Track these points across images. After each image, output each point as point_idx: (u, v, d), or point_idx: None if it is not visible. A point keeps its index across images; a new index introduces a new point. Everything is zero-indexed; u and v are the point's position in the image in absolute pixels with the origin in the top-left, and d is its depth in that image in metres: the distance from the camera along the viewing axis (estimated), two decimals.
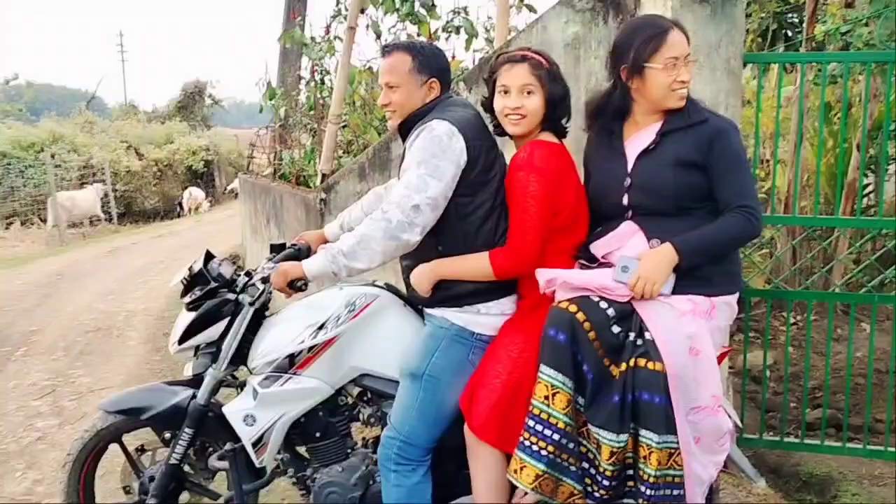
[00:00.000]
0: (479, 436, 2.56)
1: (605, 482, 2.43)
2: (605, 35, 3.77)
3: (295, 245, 3.05)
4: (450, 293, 2.65)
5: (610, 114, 2.74)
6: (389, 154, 4.46)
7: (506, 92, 2.62)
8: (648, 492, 2.38)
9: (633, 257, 2.47)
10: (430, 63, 2.72)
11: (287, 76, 8.84)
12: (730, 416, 2.60)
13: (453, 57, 6.76)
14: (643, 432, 2.40)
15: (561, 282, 2.53)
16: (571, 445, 2.47)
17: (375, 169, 4.70)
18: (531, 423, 2.46)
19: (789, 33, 8.66)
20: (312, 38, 7.13)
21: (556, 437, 2.44)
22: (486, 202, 2.62)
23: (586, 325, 2.43)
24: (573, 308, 2.45)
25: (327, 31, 6.86)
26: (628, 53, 2.58)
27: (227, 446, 2.84)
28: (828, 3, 6.45)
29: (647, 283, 2.42)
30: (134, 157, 23.33)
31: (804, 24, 6.18)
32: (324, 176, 5.09)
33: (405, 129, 2.73)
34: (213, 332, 2.83)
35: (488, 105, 2.74)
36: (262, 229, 8.17)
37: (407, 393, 2.68)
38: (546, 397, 2.44)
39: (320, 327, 2.74)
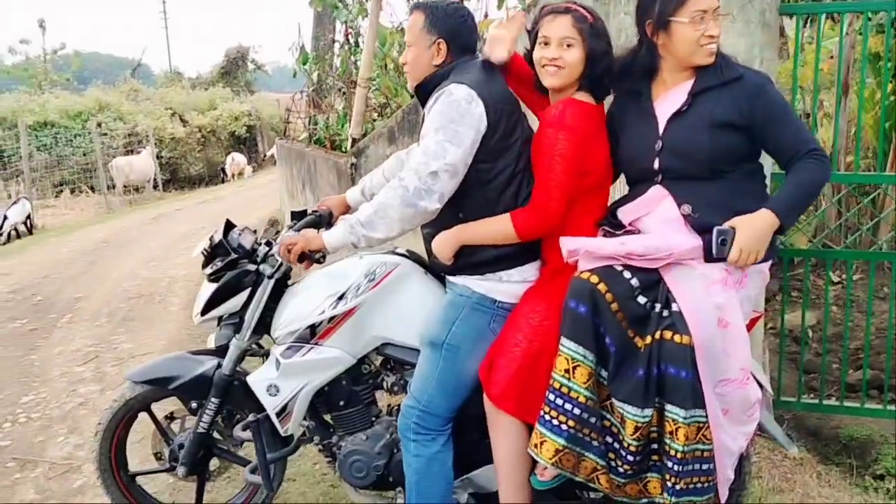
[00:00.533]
0: (497, 405, 2.52)
1: (630, 457, 2.37)
2: None
3: (316, 212, 3.01)
4: (471, 260, 2.60)
5: (637, 73, 2.61)
6: (418, 117, 4.39)
7: (546, 43, 2.54)
8: (676, 467, 2.32)
9: (728, 227, 2.33)
10: (440, 23, 2.62)
11: (321, 40, 8.79)
12: (760, 384, 2.52)
13: (486, 15, 6.63)
14: (669, 407, 2.32)
15: (584, 251, 2.45)
16: (593, 420, 2.39)
17: (405, 132, 4.66)
18: (551, 396, 2.39)
19: None
20: (342, 1, 7.05)
21: (576, 411, 2.37)
22: (507, 167, 2.55)
23: (608, 296, 2.34)
24: (594, 279, 2.36)
25: None
26: (653, 7, 2.46)
27: (251, 416, 2.84)
28: None
29: (751, 254, 2.32)
30: (178, 124, 23.63)
31: None
32: (354, 140, 5.06)
33: (423, 92, 2.67)
34: (234, 302, 2.84)
35: (530, 57, 2.64)
36: (298, 194, 8.21)
37: (426, 362, 2.65)
38: (566, 370, 2.36)
39: (340, 297, 2.71)
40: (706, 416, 2.30)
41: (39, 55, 34.42)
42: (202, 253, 2.93)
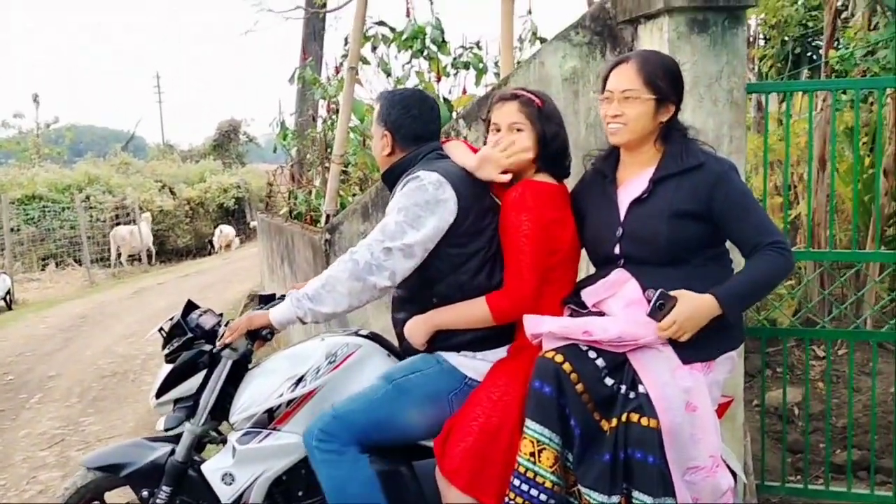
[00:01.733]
0: (450, 479, 2.42)
1: None
2: (604, 69, 3.64)
3: (283, 296, 2.89)
4: (448, 343, 2.56)
5: (604, 153, 2.65)
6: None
7: (497, 129, 2.58)
8: None
9: (672, 294, 2.29)
10: (385, 114, 2.67)
11: (303, 115, 8.87)
12: (733, 471, 2.44)
13: (464, 91, 6.67)
14: (637, 494, 2.23)
15: (547, 331, 2.40)
16: None
17: (378, 209, 4.59)
18: (517, 482, 2.31)
19: (814, 57, 8.47)
20: (325, 79, 7.11)
21: (542, 497, 2.28)
22: (480, 251, 2.53)
23: (573, 376, 2.28)
24: (559, 358, 2.31)
25: (337, 71, 6.83)
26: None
27: None
28: (848, 27, 6.26)
29: (680, 330, 2.26)
30: (168, 197, 23.72)
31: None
32: (328, 216, 5.01)
33: (390, 179, 2.68)
34: (189, 385, 2.72)
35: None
36: (277, 269, 8.13)
37: (369, 388, 2.57)
38: (532, 454, 2.29)
39: (299, 380, 2.63)
40: None
41: (32, 129, 34.76)
42: (161, 333, 2.82)
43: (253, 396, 2.67)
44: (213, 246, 23.13)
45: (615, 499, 2.23)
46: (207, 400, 2.69)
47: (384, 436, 2.55)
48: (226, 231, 23.20)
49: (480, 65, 6.24)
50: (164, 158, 30.30)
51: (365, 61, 6.76)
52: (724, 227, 2.40)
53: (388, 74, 6.48)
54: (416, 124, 2.67)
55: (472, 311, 2.50)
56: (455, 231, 2.49)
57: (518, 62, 5.99)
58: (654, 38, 3.42)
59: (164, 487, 2.73)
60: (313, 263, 5.42)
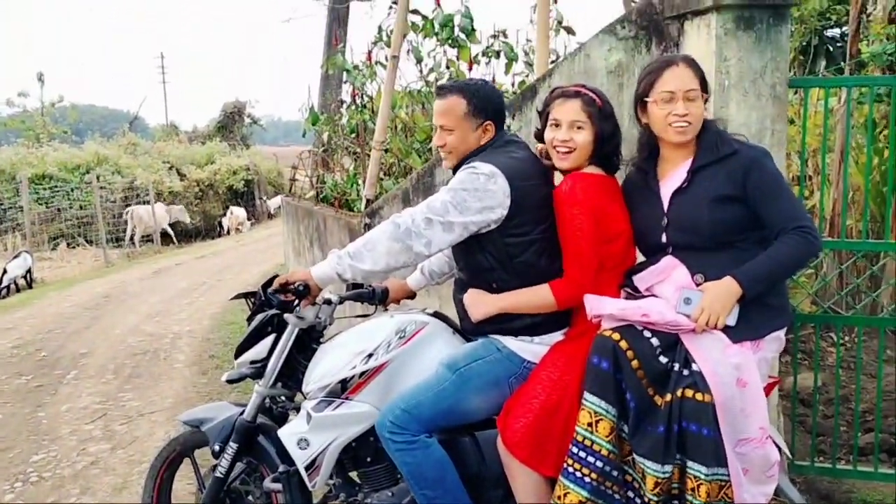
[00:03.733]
0: (512, 452, 2.58)
1: None
2: (649, 62, 3.78)
3: (373, 286, 3.06)
4: (507, 326, 2.71)
5: (642, 151, 2.78)
6: (433, 180, 4.51)
7: (556, 125, 2.68)
8: None
9: (697, 290, 2.48)
10: (486, 106, 2.76)
11: (329, 100, 8.95)
12: (778, 446, 2.58)
13: (493, 80, 6.80)
14: (691, 464, 2.40)
15: (607, 313, 2.55)
16: (615, 473, 2.47)
17: (419, 194, 4.74)
18: (575, 449, 2.47)
19: (830, 48, 8.59)
20: (355, 66, 7.21)
21: (599, 463, 2.45)
22: (539, 239, 2.67)
23: (629, 353, 2.45)
24: (616, 336, 2.48)
25: (369, 58, 6.94)
26: (638, 89, 2.69)
27: (282, 468, 2.87)
28: (871, 21, 6.37)
29: (712, 315, 2.42)
30: (176, 178, 23.73)
31: (847, 41, 6.11)
32: (368, 201, 5.15)
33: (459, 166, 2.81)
34: (260, 348, 2.90)
35: (540, 136, 2.79)
36: (304, 251, 8.27)
37: (434, 377, 2.71)
38: (590, 424, 2.46)
39: (371, 353, 2.78)
40: (728, 475, 2.37)
41: (37, 108, 34.67)
42: (247, 302, 2.99)
43: (327, 367, 2.82)
44: (222, 228, 23.21)
45: (668, 468, 2.39)
46: (276, 363, 2.85)
47: (451, 421, 2.72)
48: (237, 213, 23.29)
49: (512, 53, 6.36)
50: (170, 139, 30.23)
51: None
52: (757, 210, 2.53)
53: (419, 61, 6.59)
54: (504, 113, 2.85)
55: (538, 298, 2.65)
56: (510, 222, 2.63)
57: (554, 52, 6.13)
58: (702, 34, 3.55)
59: (231, 443, 2.92)
60: None
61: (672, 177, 2.67)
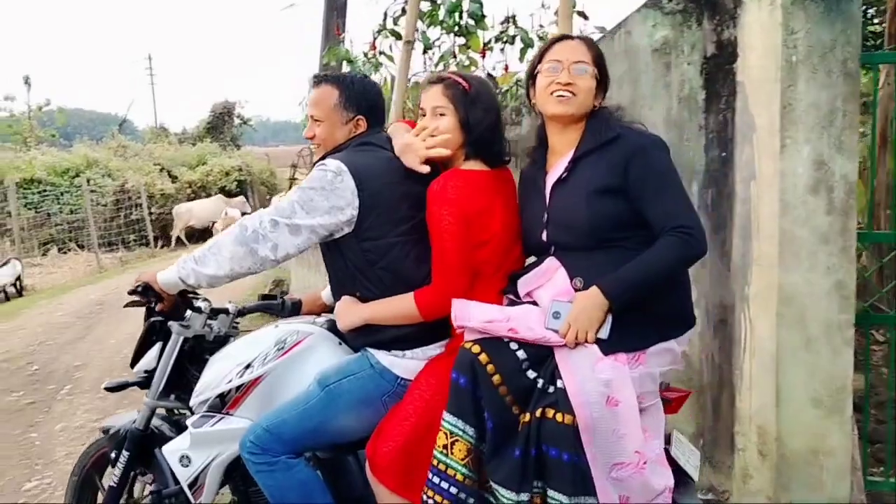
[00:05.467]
0: (379, 479, 2.41)
1: None
2: (700, 38, 3.42)
3: (283, 299, 3.00)
4: (374, 339, 2.54)
5: (535, 140, 2.57)
6: None
7: (423, 114, 2.55)
8: None
9: (567, 301, 2.24)
10: (359, 100, 2.65)
11: None
12: (685, 471, 2.36)
13: (506, 68, 6.44)
14: (551, 492, 2.16)
15: (470, 324, 2.32)
16: (472, 501, 2.25)
17: None
18: (431, 475, 2.27)
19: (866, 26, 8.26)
20: (356, 56, 6.84)
21: (453, 490, 2.24)
22: (399, 243, 2.50)
23: (490, 367, 2.22)
24: (476, 349, 2.25)
25: (373, 47, 6.55)
26: (529, 67, 2.53)
27: (153, 486, 2.79)
28: None
29: (580, 331, 2.18)
30: (167, 180, 23.38)
31: (886, 18, 5.78)
32: None
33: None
34: (150, 356, 2.81)
35: None
36: (306, 253, 7.89)
37: (302, 393, 2.57)
38: (445, 446, 2.25)
39: (248, 365, 2.65)
40: None
41: (24, 112, 34.29)
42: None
43: (207, 380, 2.70)
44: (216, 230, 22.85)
45: (524, 496, 2.17)
46: (161, 373, 2.73)
47: (318, 442, 2.57)
48: (231, 214, 22.87)
49: (528, 38, 6.00)
50: (160, 141, 29.88)
51: (397, 36, 6.53)
52: (638, 204, 2.27)
53: (429, 49, 6.22)
54: (381, 111, 2.72)
55: (401, 308, 2.46)
56: (363, 224, 2.47)
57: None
58: (764, 4, 3.19)
59: (123, 451, 2.80)
60: None
61: (556, 167, 2.43)
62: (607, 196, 2.27)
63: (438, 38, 6.42)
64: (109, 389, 2.88)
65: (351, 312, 2.55)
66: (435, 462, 2.26)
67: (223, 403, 2.71)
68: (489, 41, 6.17)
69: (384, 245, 2.49)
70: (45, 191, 20.12)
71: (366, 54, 6.61)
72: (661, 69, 3.50)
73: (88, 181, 19.81)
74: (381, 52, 6.70)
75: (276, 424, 2.49)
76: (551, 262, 2.36)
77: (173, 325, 2.71)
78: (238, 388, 2.67)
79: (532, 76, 2.47)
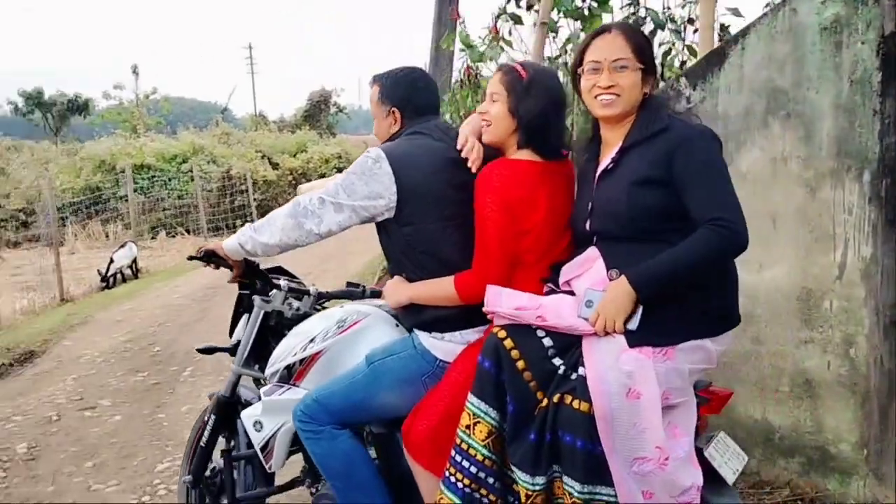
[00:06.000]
0: (412, 456, 2.51)
1: None
2: (876, 15, 3.14)
3: (364, 287, 3.18)
4: (419, 318, 2.64)
5: (591, 135, 2.55)
6: None
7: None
8: None
9: (601, 290, 2.23)
10: (391, 93, 2.74)
11: (439, 81, 8.47)
12: (717, 471, 2.26)
13: None
14: (565, 478, 2.17)
15: (500, 310, 2.36)
16: (491, 480, 2.30)
17: None
18: (453, 453, 2.34)
19: None
20: (474, 41, 6.72)
21: (473, 469, 2.29)
22: (440, 229, 2.57)
23: (514, 352, 2.26)
24: (502, 334, 2.30)
25: (495, 30, 6.41)
26: (573, 61, 2.49)
27: (224, 445, 3.04)
28: None
29: (607, 320, 2.17)
30: (269, 167, 23.88)
31: None
32: None
33: None
34: (240, 327, 3.09)
35: None
36: None
37: (352, 369, 2.70)
38: (468, 426, 2.31)
39: (311, 340, 2.81)
40: (615, 496, 2.12)
41: (132, 100, 35.63)
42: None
43: (278, 353, 2.89)
44: None
45: (540, 479, 2.19)
46: (245, 343, 2.97)
47: (362, 416, 2.69)
48: None
49: (659, 20, 5.74)
50: (260, 129, 30.58)
51: (518, 21, 6.39)
52: (680, 196, 2.22)
53: (555, 33, 6.04)
54: (424, 96, 2.77)
55: (441, 289, 2.54)
56: (402, 211, 2.57)
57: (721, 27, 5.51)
58: None
59: (210, 415, 3.10)
60: None
61: (605, 158, 2.43)
62: (648, 187, 2.25)
63: (557, 21, 6.26)
64: (201, 351, 3.21)
65: (397, 291, 2.65)
66: (458, 441, 2.33)
67: (290, 375, 2.86)
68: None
69: (425, 230, 2.58)
70: (154, 176, 20.83)
71: (488, 37, 6.47)
72: (830, 49, 3.25)
73: (195, 168, 20.37)
74: (501, 37, 6.56)
75: (325, 396, 2.65)
76: (592, 252, 2.37)
77: (256, 299, 2.93)
78: (301, 361, 2.82)
79: (576, 75, 2.44)
